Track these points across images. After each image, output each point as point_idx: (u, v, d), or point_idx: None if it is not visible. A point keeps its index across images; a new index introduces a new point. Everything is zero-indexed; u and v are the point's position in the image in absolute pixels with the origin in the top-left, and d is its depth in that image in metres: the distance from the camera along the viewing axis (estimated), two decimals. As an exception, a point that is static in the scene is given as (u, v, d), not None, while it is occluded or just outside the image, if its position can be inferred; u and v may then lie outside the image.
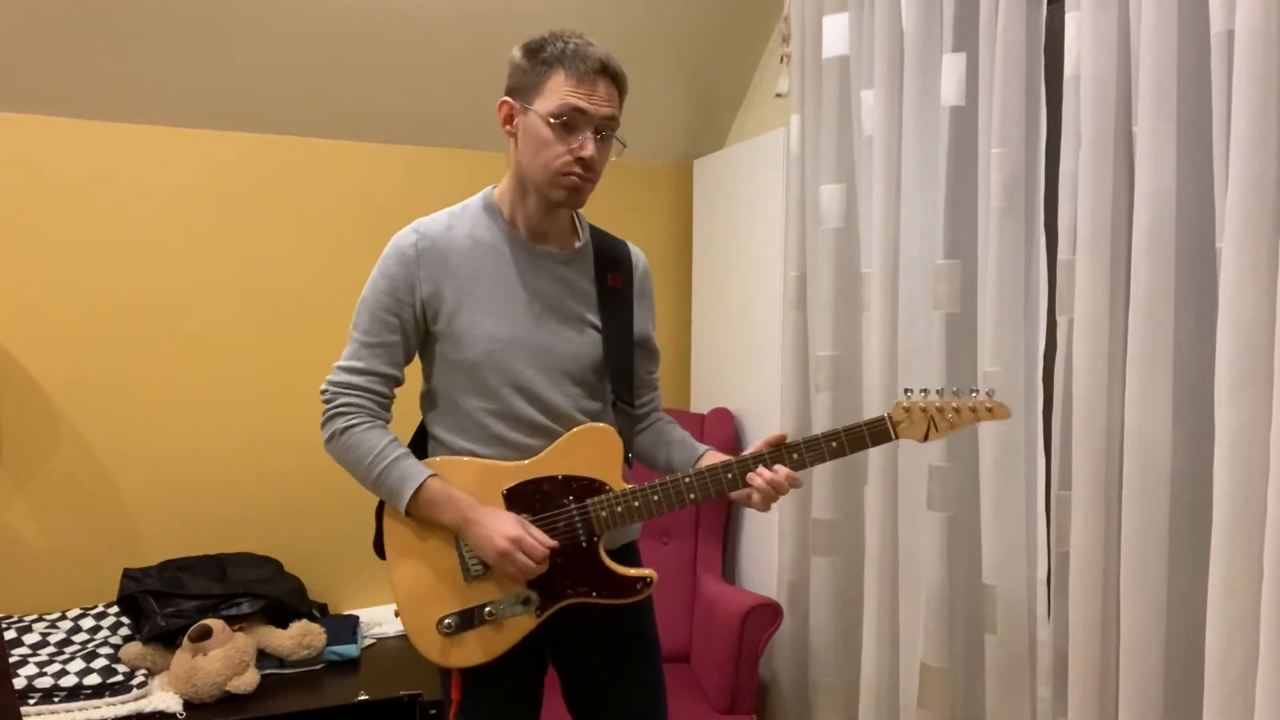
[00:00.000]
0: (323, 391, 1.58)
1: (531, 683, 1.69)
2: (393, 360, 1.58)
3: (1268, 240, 1.42)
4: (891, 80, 2.21)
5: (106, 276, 2.59)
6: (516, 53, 1.55)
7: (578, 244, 1.65)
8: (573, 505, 1.56)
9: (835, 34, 2.38)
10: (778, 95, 2.77)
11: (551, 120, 1.48)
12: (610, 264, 1.66)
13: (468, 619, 1.56)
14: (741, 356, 2.90)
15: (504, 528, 1.50)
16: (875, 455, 2.27)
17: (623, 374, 1.65)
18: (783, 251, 2.62)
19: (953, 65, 2.04)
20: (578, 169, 1.50)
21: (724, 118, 3.15)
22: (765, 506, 1.54)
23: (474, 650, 1.56)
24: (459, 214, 1.62)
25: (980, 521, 2.03)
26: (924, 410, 1.55)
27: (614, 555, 1.61)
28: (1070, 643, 1.78)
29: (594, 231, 1.69)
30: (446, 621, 1.55)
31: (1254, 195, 1.41)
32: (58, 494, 2.57)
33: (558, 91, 1.48)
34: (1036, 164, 1.93)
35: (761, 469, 1.53)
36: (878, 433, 1.55)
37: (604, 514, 1.56)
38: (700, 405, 3.16)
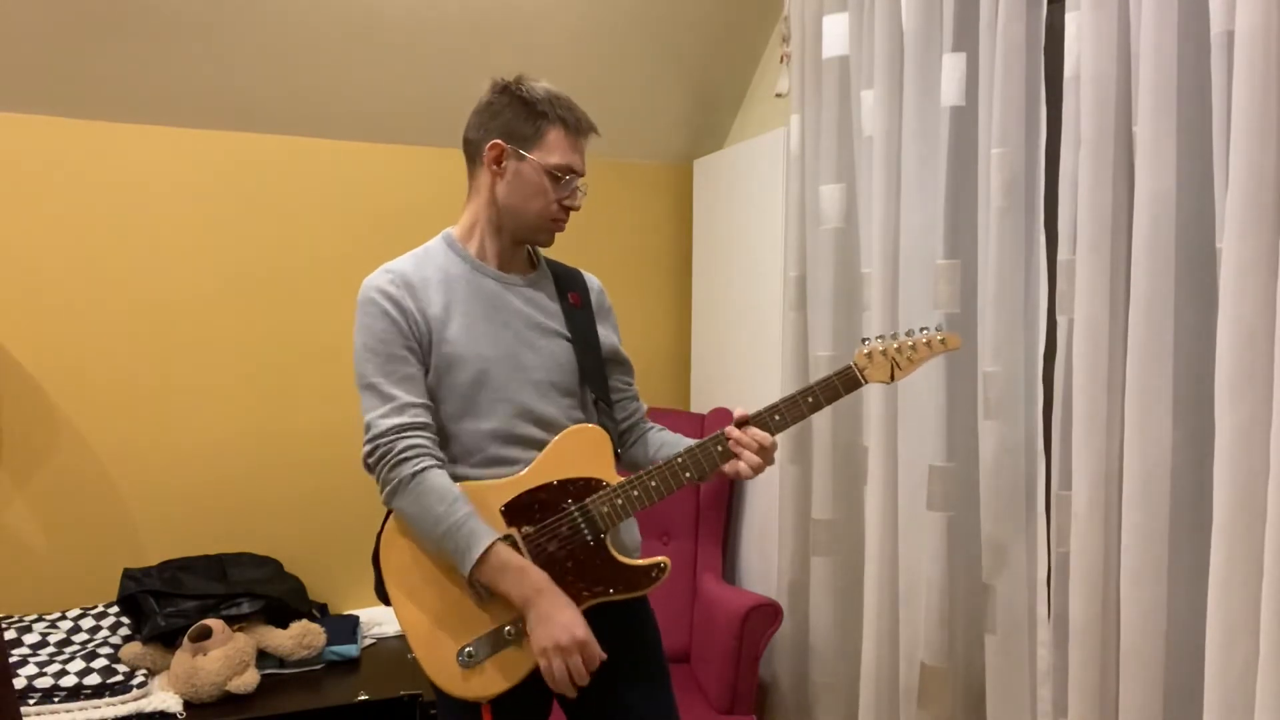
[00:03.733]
0: (369, 454, 1.52)
1: (545, 708, 1.69)
2: (423, 391, 1.55)
3: (1268, 240, 1.42)
4: (891, 80, 2.21)
5: (107, 276, 2.59)
6: (499, 97, 1.60)
7: (536, 270, 1.72)
8: (573, 507, 1.57)
9: (835, 34, 2.38)
10: (778, 95, 2.77)
11: (551, 173, 1.58)
12: (568, 285, 1.73)
13: (488, 644, 1.53)
14: (741, 356, 2.90)
15: (574, 627, 1.48)
16: (875, 455, 2.27)
17: (598, 377, 1.69)
18: (783, 251, 2.63)
19: (953, 65, 2.04)
20: (564, 216, 1.63)
21: (724, 118, 3.15)
22: (752, 473, 1.59)
23: (498, 676, 1.53)
24: (422, 255, 1.64)
25: (980, 521, 2.03)
26: (884, 353, 1.64)
27: None
28: (1070, 643, 1.78)
29: (547, 260, 1.76)
30: (467, 650, 1.52)
31: (1254, 195, 1.41)
32: (58, 494, 2.57)
33: (558, 147, 1.58)
34: (1036, 164, 1.93)
35: (731, 429, 1.59)
36: (847, 380, 1.62)
37: (605, 509, 1.57)
38: (700, 405, 3.17)
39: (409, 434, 1.51)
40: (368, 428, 1.53)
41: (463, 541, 1.48)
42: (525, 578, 1.50)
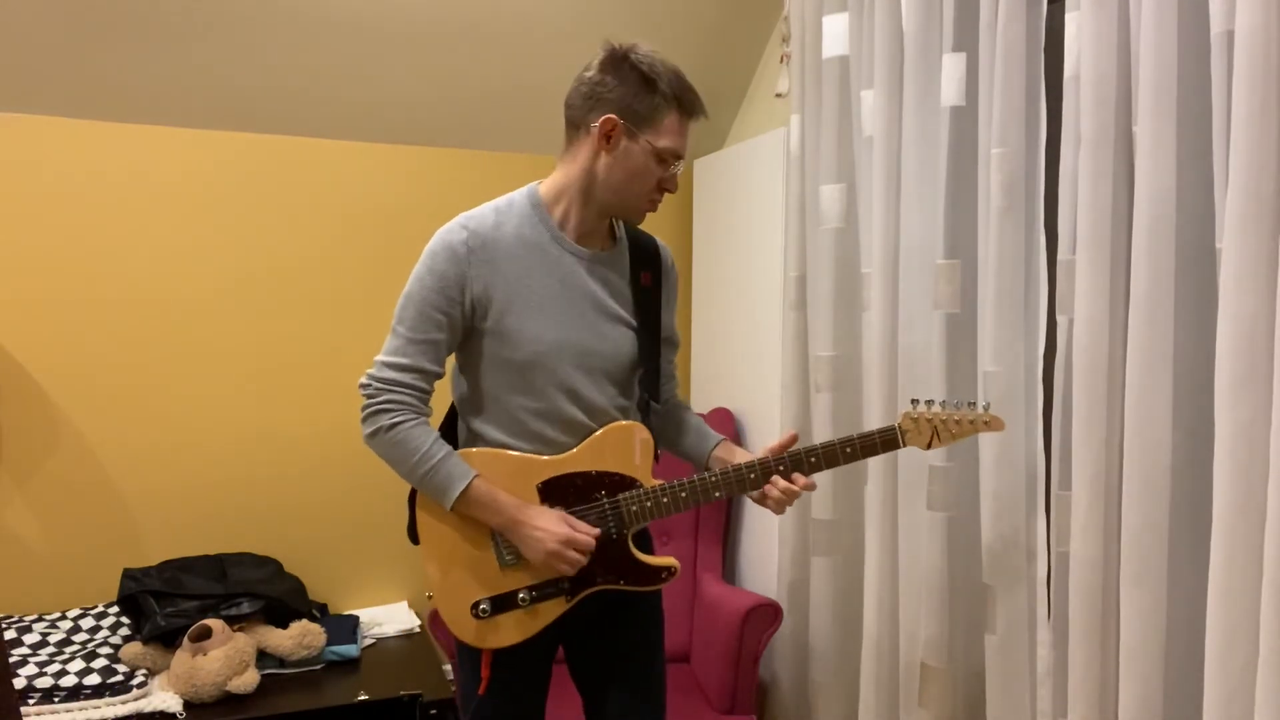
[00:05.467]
0: (364, 386, 1.59)
1: (547, 661, 1.75)
2: (437, 357, 1.60)
3: (1268, 240, 1.42)
4: (891, 80, 2.21)
5: (106, 276, 2.59)
6: (619, 67, 1.54)
7: (615, 244, 1.71)
8: (605, 500, 1.63)
9: (835, 34, 2.38)
10: (778, 95, 2.77)
11: (660, 155, 1.57)
12: (643, 262, 1.73)
13: (502, 604, 1.61)
14: (741, 356, 2.90)
15: (554, 528, 1.56)
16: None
17: (653, 373, 1.72)
18: (783, 251, 2.62)
19: (953, 65, 2.04)
20: (660, 198, 1.63)
21: (724, 118, 3.15)
22: (779, 511, 1.66)
23: (508, 633, 1.62)
24: (505, 210, 1.63)
25: (980, 521, 2.03)
26: (929, 421, 1.67)
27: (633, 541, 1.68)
28: (1070, 643, 1.78)
29: (626, 229, 1.74)
30: (482, 606, 1.61)
31: (1254, 195, 1.41)
32: (58, 494, 2.57)
33: (672, 131, 1.57)
34: (1036, 164, 1.93)
35: (778, 479, 1.62)
36: (888, 441, 1.66)
37: (634, 509, 1.63)
38: (700, 405, 3.16)
39: (398, 390, 1.58)
40: (374, 363, 1.60)
41: (442, 483, 1.57)
42: (498, 508, 1.58)
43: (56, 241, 2.54)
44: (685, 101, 1.56)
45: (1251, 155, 1.41)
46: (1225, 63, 1.47)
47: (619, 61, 1.56)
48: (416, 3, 2.54)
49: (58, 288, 2.55)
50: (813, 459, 1.63)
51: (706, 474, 1.64)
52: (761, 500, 1.65)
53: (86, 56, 2.40)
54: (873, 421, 2.28)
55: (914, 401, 1.68)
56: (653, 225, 3.45)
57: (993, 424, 1.67)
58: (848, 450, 1.63)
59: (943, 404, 1.68)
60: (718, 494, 1.64)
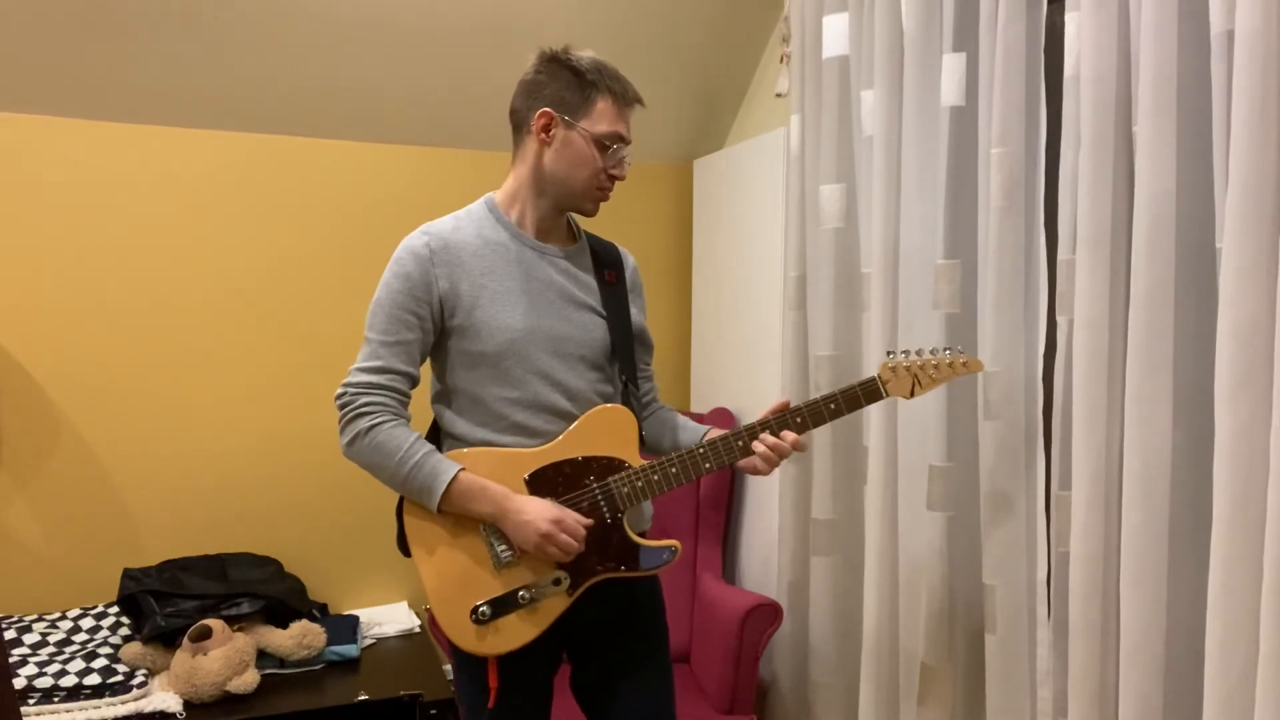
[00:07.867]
0: (339, 396, 1.59)
1: (550, 673, 1.74)
2: (410, 359, 1.61)
3: (1268, 240, 1.42)
4: (891, 80, 2.21)
5: (107, 276, 2.59)
6: (548, 67, 1.62)
7: (576, 242, 1.75)
8: (595, 484, 1.62)
9: (835, 34, 2.38)
10: (778, 95, 2.77)
11: (599, 141, 1.60)
12: (605, 262, 1.76)
13: (502, 605, 1.59)
14: (741, 356, 2.90)
15: (544, 512, 1.55)
16: (875, 455, 2.27)
17: (628, 356, 1.73)
18: (783, 251, 2.63)
19: (953, 65, 2.04)
20: (609, 185, 1.66)
21: (724, 118, 3.15)
22: (768, 470, 1.64)
23: (510, 636, 1.60)
24: (463, 217, 1.67)
25: (980, 521, 2.03)
26: (908, 369, 1.68)
27: None
28: (1070, 643, 1.78)
29: (587, 234, 1.79)
30: (481, 609, 1.58)
31: (1254, 195, 1.41)
32: (58, 494, 2.57)
33: (606, 116, 1.61)
34: (1036, 164, 1.93)
35: (765, 435, 1.62)
36: (870, 392, 1.66)
37: (625, 490, 1.62)
38: (700, 405, 3.17)
39: (374, 392, 1.58)
40: (348, 373, 1.60)
41: (426, 480, 1.56)
42: (487, 497, 1.57)
43: (56, 241, 2.54)
44: (615, 88, 1.61)
45: (1251, 155, 1.41)
46: (1225, 63, 1.47)
47: (549, 61, 1.62)
48: (419, 3, 2.54)
49: (57, 288, 2.55)
50: (798, 419, 1.63)
51: (695, 447, 1.64)
52: (750, 467, 1.63)
53: (86, 56, 2.40)
54: (873, 422, 2.28)
55: (890, 352, 1.69)
56: (653, 222, 3.46)
57: (970, 365, 1.69)
58: (831, 406, 1.64)
59: (918, 352, 1.69)
60: (708, 465, 1.63)
